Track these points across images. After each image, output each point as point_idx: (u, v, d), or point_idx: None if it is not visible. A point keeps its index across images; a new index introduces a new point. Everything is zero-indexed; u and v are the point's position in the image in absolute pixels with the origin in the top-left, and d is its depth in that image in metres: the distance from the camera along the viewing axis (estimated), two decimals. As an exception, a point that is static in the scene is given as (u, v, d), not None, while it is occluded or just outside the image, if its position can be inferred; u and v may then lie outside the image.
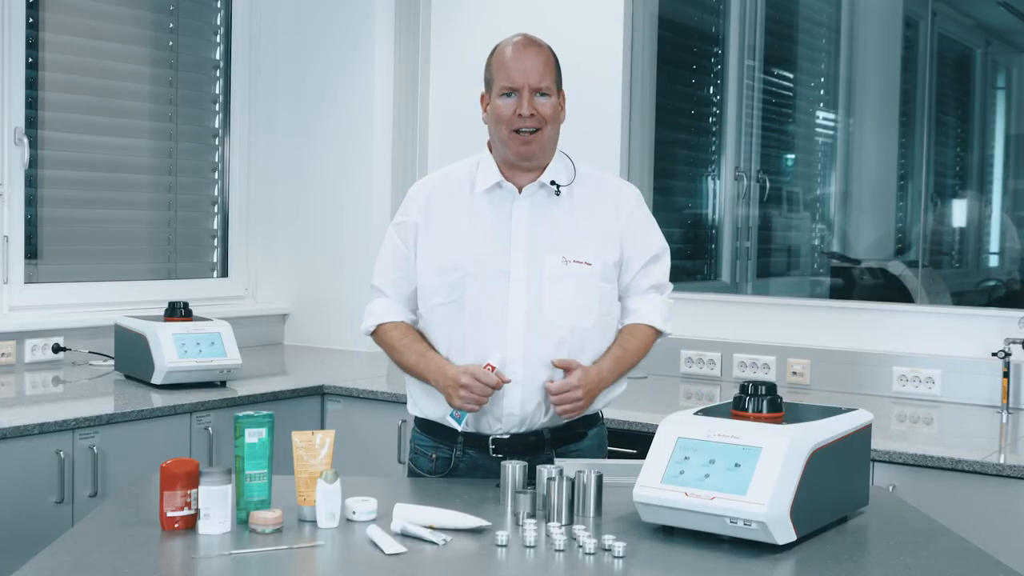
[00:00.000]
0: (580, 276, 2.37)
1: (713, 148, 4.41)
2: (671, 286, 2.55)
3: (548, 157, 2.41)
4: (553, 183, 2.40)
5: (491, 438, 2.38)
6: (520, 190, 2.40)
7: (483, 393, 2.28)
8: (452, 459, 2.43)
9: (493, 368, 2.30)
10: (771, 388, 2.04)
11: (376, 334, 2.50)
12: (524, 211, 2.39)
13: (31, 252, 4.00)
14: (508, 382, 2.31)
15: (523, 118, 2.32)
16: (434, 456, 2.45)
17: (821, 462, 1.92)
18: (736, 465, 1.88)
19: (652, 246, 2.48)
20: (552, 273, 2.36)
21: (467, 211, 2.40)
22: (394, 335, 2.45)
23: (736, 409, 2.03)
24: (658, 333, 2.50)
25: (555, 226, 2.39)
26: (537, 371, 2.34)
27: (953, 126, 4.27)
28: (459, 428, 2.36)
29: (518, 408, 2.36)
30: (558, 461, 2.24)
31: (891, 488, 2.76)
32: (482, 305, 2.35)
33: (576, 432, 2.45)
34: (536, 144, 2.35)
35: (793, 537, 1.87)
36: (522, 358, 2.34)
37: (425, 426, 2.48)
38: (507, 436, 2.38)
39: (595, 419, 2.51)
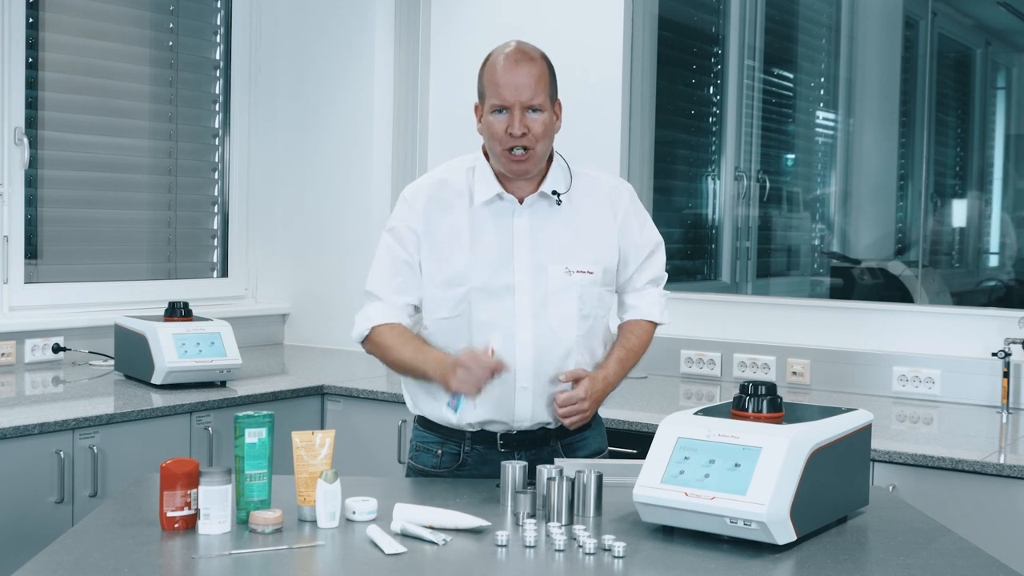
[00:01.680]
0: (583, 285, 2.38)
1: (713, 148, 4.41)
2: (666, 276, 2.57)
3: (542, 168, 2.39)
4: (554, 193, 2.39)
5: (499, 434, 2.40)
6: (520, 201, 2.38)
7: (481, 376, 2.22)
8: (460, 454, 2.43)
9: (493, 351, 2.25)
10: (771, 388, 2.04)
11: (369, 338, 2.41)
12: (525, 223, 2.38)
13: (31, 252, 4.00)
14: (507, 370, 2.27)
15: (514, 137, 2.29)
16: (440, 452, 2.45)
17: (821, 462, 1.92)
18: (736, 465, 1.88)
19: (649, 242, 2.50)
20: (556, 285, 2.37)
21: (468, 223, 2.38)
22: (391, 335, 2.39)
23: (736, 409, 2.03)
24: (656, 325, 2.54)
25: (556, 237, 2.39)
26: (546, 379, 2.37)
27: (953, 126, 4.28)
28: (454, 418, 2.33)
29: (528, 415, 2.38)
30: (558, 461, 2.25)
31: (891, 488, 2.76)
32: (489, 319, 2.34)
33: None
34: (529, 163, 2.33)
35: (793, 537, 1.87)
36: (532, 369, 2.35)
37: (428, 423, 2.47)
38: (514, 432, 2.40)
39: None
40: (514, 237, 2.37)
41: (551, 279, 2.36)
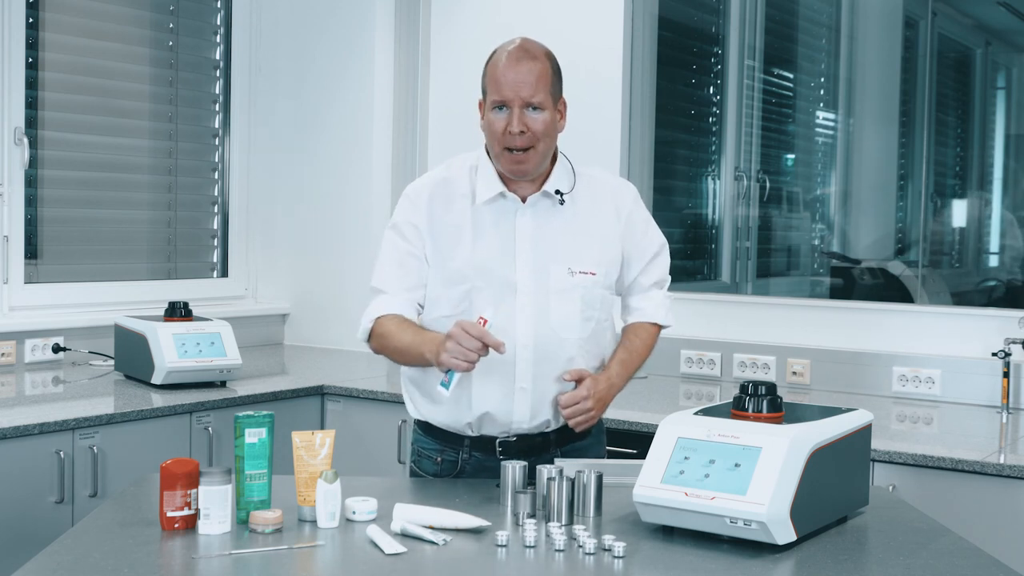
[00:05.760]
0: (585, 287, 2.36)
1: (713, 148, 4.41)
2: (670, 279, 2.55)
3: (544, 168, 2.36)
4: (557, 192, 2.36)
5: (497, 440, 2.38)
6: (523, 200, 2.36)
7: (472, 347, 2.13)
8: (459, 461, 2.41)
9: (485, 322, 2.15)
10: (771, 388, 2.04)
11: (373, 331, 2.36)
12: (528, 222, 2.35)
13: (31, 252, 4.01)
14: (502, 343, 2.16)
15: (513, 135, 2.26)
16: (439, 459, 2.43)
17: (821, 462, 1.92)
18: (736, 465, 1.88)
19: (653, 244, 2.48)
20: (558, 286, 2.34)
21: (470, 221, 2.35)
22: (392, 323, 2.32)
23: (736, 409, 2.03)
24: (660, 327, 2.52)
25: (559, 236, 2.36)
26: (547, 383, 2.34)
27: (953, 126, 4.28)
28: (447, 394, 2.19)
29: (527, 420, 2.35)
30: (558, 461, 2.24)
31: (891, 488, 2.76)
32: (490, 318, 2.30)
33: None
34: (528, 163, 2.29)
35: (793, 537, 1.87)
36: (532, 371, 2.33)
37: (428, 428, 2.45)
38: (514, 439, 2.37)
39: None
40: (516, 236, 2.34)
41: (553, 279, 2.34)
